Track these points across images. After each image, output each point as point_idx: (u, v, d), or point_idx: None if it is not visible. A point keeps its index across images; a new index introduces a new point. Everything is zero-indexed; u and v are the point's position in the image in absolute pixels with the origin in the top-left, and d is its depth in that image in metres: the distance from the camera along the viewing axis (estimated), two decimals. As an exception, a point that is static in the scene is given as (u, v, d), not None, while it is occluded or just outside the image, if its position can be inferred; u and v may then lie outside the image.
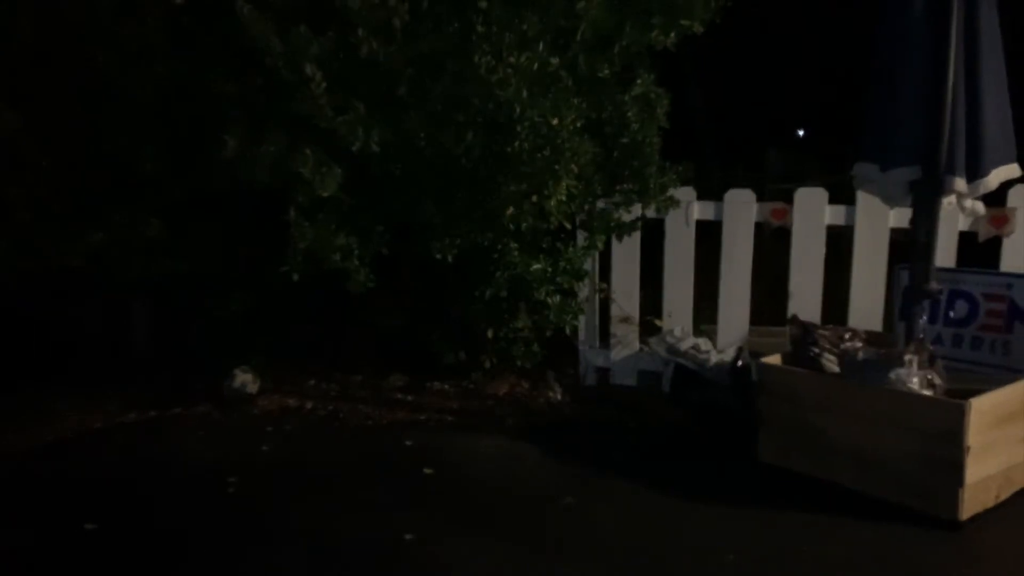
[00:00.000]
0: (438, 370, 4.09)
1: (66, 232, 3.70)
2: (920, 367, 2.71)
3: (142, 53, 3.55)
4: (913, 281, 2.97)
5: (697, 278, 3.94)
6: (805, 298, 3.67)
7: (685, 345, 3.75)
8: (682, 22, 3.50)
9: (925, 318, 3.05)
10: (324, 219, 3.42)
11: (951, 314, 3.24)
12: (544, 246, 3.80)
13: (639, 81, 3.67)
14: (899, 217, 3.44)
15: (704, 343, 3.75)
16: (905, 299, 3.10)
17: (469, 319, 3.92)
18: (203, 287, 4.00)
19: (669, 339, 3.82)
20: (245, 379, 3.91)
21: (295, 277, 3.43)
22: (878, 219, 3.55)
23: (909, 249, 3.00)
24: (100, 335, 4.42)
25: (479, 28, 3.27)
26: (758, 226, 3.79)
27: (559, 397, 3.95)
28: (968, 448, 2.53)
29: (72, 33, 3.63)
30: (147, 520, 2.74)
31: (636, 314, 4.02)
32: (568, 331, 4.01)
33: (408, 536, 2.55)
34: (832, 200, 3.69)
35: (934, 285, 2.94)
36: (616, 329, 4.05)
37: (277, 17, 3.32)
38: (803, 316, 3.28)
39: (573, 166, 3.39)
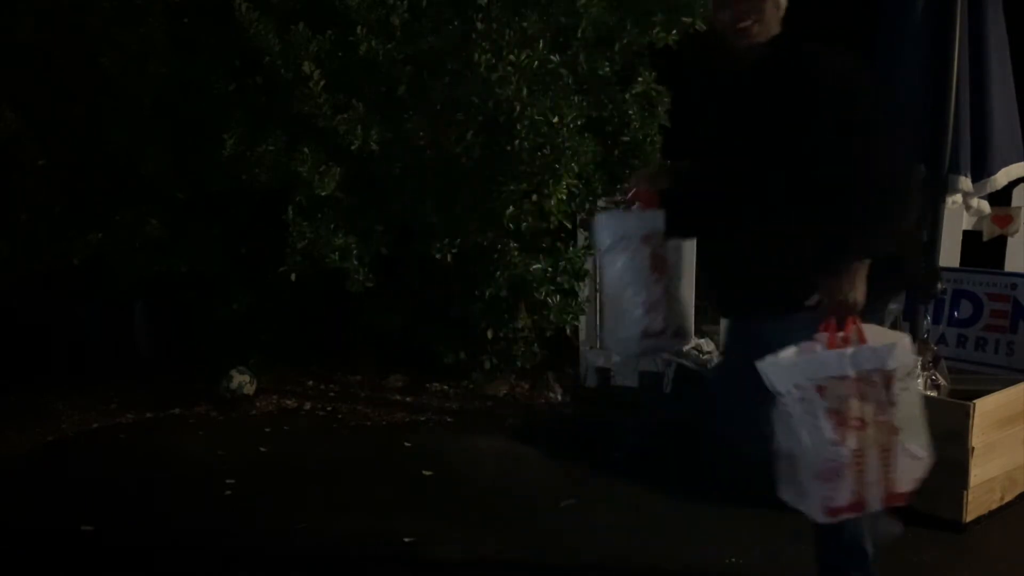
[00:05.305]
0: (438, 370, 4.07)
1: (66, 232, 3.69)
2: (924, 368, 2.68)
3: (142, 53, 3.54)
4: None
5: (699, 278, 3.91)
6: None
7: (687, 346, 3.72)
8: (683, 19, 3.47)
9: (929, 318, 3.03)
10: (323, 219, 3.40)
11: (955, 314, 3.21)
12: (544, 246, 3.78)
13: (640, 79, 3.65)
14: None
15: (706, 343, 3.73)
16: (909, 299, 3.07)
17: (469, 319, 3.90)
18: (203, 287, 3.99)
19: (671, 339, 3.79)
20: (242, 380, 3.90)
21: (293, 277, 3.42)
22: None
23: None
24: (100, 335, 4.41)
25: (479, 26, 3.26)
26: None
27: (559, 397, 3.93)
28: (972, 449, 2.50)
29: (72, 33, 3.62)
30: (144, 521, 2.73)
31: (638, 314, 3.99)
32: (568, 331, 3.99)
33: (407, 538, 2.54)
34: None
35: (938, 285, 2.91)
36: (617, 329, 4.02)
37: (276, 16, 3.31)
38: (806, 316, 3.24)
39: (573, 165, 3.37)
